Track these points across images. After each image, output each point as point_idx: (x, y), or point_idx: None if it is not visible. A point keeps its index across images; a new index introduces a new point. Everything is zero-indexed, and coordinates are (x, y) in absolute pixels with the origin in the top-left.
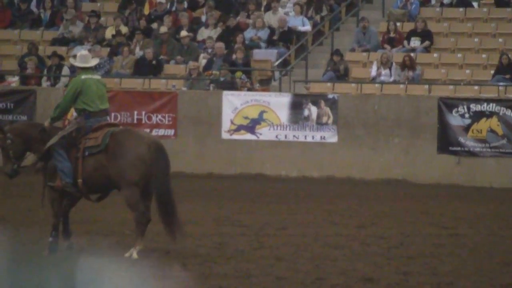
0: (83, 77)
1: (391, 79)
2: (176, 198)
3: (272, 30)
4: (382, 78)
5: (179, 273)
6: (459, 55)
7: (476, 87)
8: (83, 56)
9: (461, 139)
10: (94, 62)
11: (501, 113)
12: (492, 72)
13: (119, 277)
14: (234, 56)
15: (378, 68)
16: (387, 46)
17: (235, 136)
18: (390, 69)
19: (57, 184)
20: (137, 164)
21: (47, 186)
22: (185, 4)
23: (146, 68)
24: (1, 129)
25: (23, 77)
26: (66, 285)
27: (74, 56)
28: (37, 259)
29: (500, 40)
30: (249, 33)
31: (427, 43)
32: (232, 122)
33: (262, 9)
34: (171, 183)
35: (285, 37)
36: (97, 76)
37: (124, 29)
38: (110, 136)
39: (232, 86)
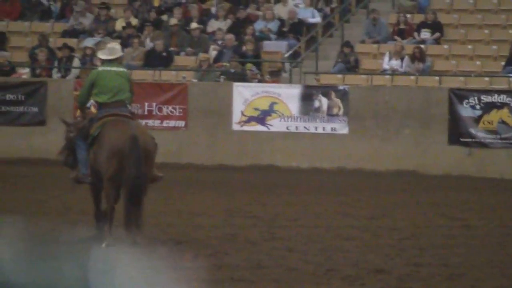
0: (100, 69)
1: (402, 70)
2: (146, 195)
3: (282, 22)
4: (394, 67)
5: (190, 264)
6: (470, 46)
7: (486, 79)
8: (111, 48)
9: (472, 130)
10: (115, 55)
11: (511, 105)
12: (503, 63)
13: (130, 268)
14: (244, 48)
15: (390, 59)
16: (398, 38)
17: (246, 128)
18: (402, 60)
19: (74, 175)
20: (112, 159)
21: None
22: None
23: (156, 60)
24: (66, 122)
25: (34, 69)
26: (79, 276)
27: (103, 47)
28: (50, 250)
29: (511, 31)
30: (259, 25)
31: (437, 34)
32: (242, 114)
33: (272, 1)
34: (142, 178)
35: (295, 28)
36: (118, 68)
37: (134, 21)
38: (101, 126)
39: (242, 77)
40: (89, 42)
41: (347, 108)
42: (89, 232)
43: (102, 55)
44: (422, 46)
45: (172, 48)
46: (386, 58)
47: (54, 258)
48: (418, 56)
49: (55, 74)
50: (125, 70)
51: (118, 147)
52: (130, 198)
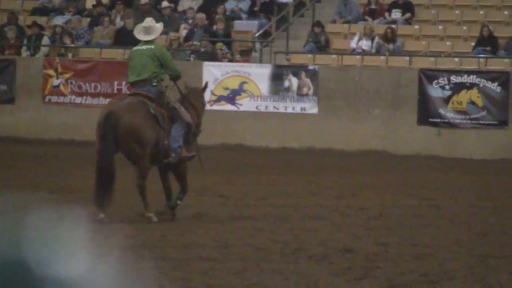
0: (134, 48)
1: (373, 51)
2: (113, 169)
3: (253, 1)
4: (364, 48)
5: (157, 243)
6: (440, 27)
7: (456, 59)
8: (147, 28)
9: (442, 111)
10: (151, 35)
11: (481, 85)
12: (473, 44)
13: (98, 247)
14: (215, 27)
15: (359, 40)
16: (368, 18)
17: (216, 107)
18: (372, 40)
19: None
20: (96, 133)
21: None
22: None
23: (127, 39)
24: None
25: (3, 47)
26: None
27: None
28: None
29: (481, 12)
30: (230, 4)
31: (408, 15)
32: (212, 93)
33: None
34: (108, 153)
35: (266, 8)
36: (147, 46)
37: None
38: None
39: (212, 57)
40: (59, 20)
41: (317, 88)
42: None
43: (138, 35)
44: (393, 26)
45: None
46: (356, 38)
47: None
48: (390, 37)
49: (24, 52)
50: (151, 47)
51: (97, 124)
52: (97, 173)
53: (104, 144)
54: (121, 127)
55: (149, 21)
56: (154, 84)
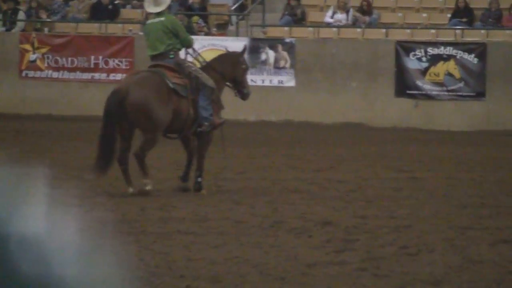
0: (148, 21)
1: (348, 21)
2: (113, 146)
3: None
4: (339, 20)
5: (136, 217)
6: None
7: (433, 31)
8: (154, 0)
9: (419, 83)
10: (160, 7)
11: (458, 57)
12: (449, 15)
13: (78, 222)
14: (190, 1)
15: (334, 13)
16: None
17: None
18: (347, 13)
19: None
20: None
21: None
22: None
23: (103, 13)
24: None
25: None
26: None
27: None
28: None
29: None
30: None
31: None
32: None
33: None
34: (110, 124)
35: None
36: (159, 19)
37: None
38: None
39: (189, 30)
40: None
41: (294, 61)
42: None
43: (148, 7)
44: None
45: (118, 1)
46: (330, 12)
47: None
48: (366, 9)
49: (0, 27)
50: (162, 19)
51: (107, 99)
52: (101, 145)
53: (107, 120)
54: (129, 104)
55: None
56: (171, 56)
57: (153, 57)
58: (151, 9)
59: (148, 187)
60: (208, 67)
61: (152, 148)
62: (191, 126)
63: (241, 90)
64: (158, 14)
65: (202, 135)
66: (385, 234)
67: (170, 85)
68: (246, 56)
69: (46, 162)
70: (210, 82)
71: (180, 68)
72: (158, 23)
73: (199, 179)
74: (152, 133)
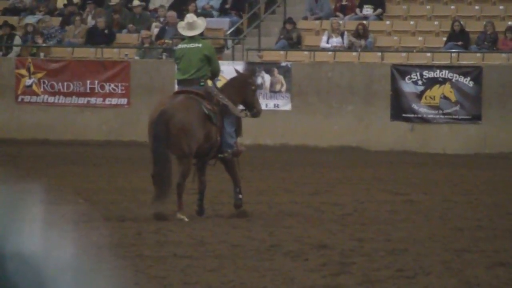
0: (179, 46)
1: (344, 45)
2: (169, 166)
3: None
4: (336, 45)
5: (133, 241)
6: (412, 22)
7: (428, 54)
8: (190, 23)
9: (414, 106)
10: (195, 31)
11: (453, 80)
12: (445, 39)
13: (74, 247)
14: None
15: (329, 38)
16: (340, 14)
17: None
18: (342, 36)
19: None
20: (148, 133)
21: None
22: None
23: (99, 38)
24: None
25: None
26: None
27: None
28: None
29: (452, 7)
30: (201, 2)
31: (379, 10)
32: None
33: None
34: (162, 146)
35: (237, 5)
36: (194, 44)
37: None
38: None
39: None
40: (30, 20)
41: (290, 85)
42: None
43: (182, 30)
44: (364, 22)
45: (114, 29)
46: (325, 37)
47: None
48: (362, 33)
49: None
50: (199, 45)
51: (149, 122)
52: (153, 170)
53: (158, 144)
54: (174, 125)
55: (191, 17)
56: (202, 84)
57: (182, 82)
58: (186, 32)
59: (185, 220)
60: (223, 93)
61: (190, 173)
62: (214, 152)
63: (251, 110)
64: (193, 39)
65: (224, 160)
66: (381, 257)
67: (206, 111)
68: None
69: (41, 187)
70: (236, 111)
71: (209, 96)
72: (195, 48)
73: (240, 196)
74: (187, 157)
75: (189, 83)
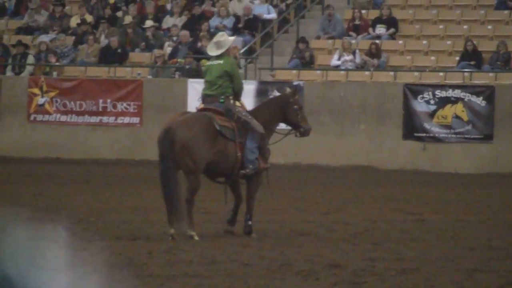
0: (207, 63)
1: (357, 62)
2: (177, 187)
3: (237, 18)
4: (348, 64)
5: (144, 260)
6: (424, 42)
7: (441, 74)
8: (217, 42)
9: (426, 125)
10: (221, 49)
11: (466, 99)
12: (457, 58)
13: (85, 265)
14: (199, 44)
15: (340, 56)
16: (353, 34)
17: None
18: (353, 54)
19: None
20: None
21: None
22: None
23: (111, 57)
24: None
25: None
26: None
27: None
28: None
29: (465, 26)
30: (214, 21)
31: (392, 30)
32: (197, 110)
33: None
34: (168, 168)
35: (250, 25)
36: (218, 61)
37: (89, 18)
38: None
39: (197, 74)
40: (43, 39)
41: (302, 104)
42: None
43: (209, 50)
44: (377, 41)
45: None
46: (336, 56)
47: None
48: (375, 52)
49: (9, 71)
50: (221, 62)
51: (157, 140)
52: (163, 188)
53: (164, 166)
54: (177, 142)
55: (219, 36)
56: (221, 101)
57: (205, 97)
58: (213, 52)
59: (195, 238)
60: (255, 112)
61: (198, 190)
62: (239, 169)
63: (298, 129)
64: (218, 57)
65: (251, 179)
66: (393, 276)
67: (217, 127)
68: (253, 101)
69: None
70: (259, 127)
71: (229, 113)
72: (217, 65)
73: (249, 222)
74: (194, 173)
75: (211, 100)
